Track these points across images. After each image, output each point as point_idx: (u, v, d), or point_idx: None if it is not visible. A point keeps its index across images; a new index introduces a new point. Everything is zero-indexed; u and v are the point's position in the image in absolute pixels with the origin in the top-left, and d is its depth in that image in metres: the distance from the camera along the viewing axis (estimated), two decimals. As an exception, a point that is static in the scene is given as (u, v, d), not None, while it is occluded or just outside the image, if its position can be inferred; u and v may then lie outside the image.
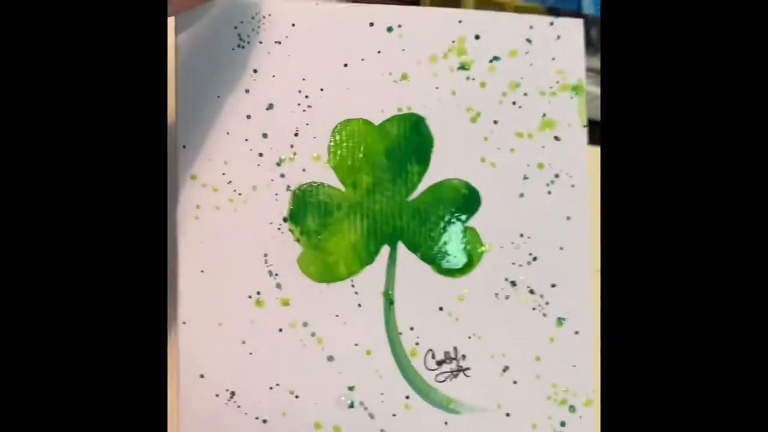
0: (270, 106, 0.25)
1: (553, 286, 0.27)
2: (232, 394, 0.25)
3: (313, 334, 0.25)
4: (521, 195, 0.27)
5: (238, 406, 0.25)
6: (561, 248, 0.27)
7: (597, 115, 0.35)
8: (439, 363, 0.26)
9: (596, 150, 0.34)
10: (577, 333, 0.27)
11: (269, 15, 0.25)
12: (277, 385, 0.25)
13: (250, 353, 0.25)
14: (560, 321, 0.27)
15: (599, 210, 0.22)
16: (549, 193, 0.27)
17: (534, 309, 0.27)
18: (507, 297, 0.27)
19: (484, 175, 0.27)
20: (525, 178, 0.27)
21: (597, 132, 0.35)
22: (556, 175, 0.27)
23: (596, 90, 0.35)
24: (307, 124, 0.25)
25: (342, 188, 0.26)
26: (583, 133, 0.28)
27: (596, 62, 0.36)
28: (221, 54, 0.25)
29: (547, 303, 0.27)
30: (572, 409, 0.27)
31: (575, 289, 0.27)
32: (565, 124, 0.27)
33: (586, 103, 0.33)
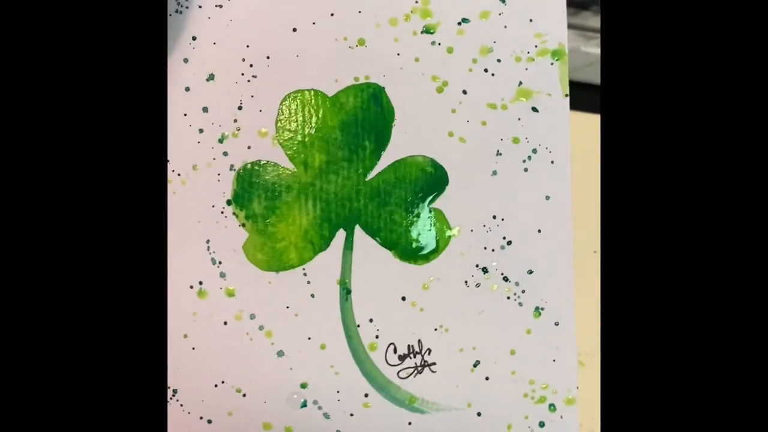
0: (211, 77, 0.23)
1: (530, 272, 0.25)
2: (174, 392, 0.23)
3: (261, 328, 0.23)
4: (494, 173, 0.24)
5: (181, 405, 0.23)
6: (539, 231, 0.25)
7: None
8: (402, 358, 0.24)
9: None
10: (557, 324, 0.25)
11: (209, -25, 0.23)
12: (222, 382, 0.23)
13: (193, 348, 0.23)
14: (538, 311, 0.25)
15: (599, 185, 0.19)
16: (525, 170, 0.25)
17: (508, 298, 0.24)
18: (478, 285, 0.24)
19: (452, 151, 0.24)
20: (498, 154, 0.24)
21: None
22: (534, 151, 0.25)
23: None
24: (252, 96, 0.23)
25: (292, 167, 0.23)
26: (565, 104, 0.25)
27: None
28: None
29: (523, 291, 0.24)
30: (552, 407, 0.25)
31: (555, 276, 0.25)
32: (544, 94, 0.25)
33: (583, 68, 0.31)
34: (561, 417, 0.25)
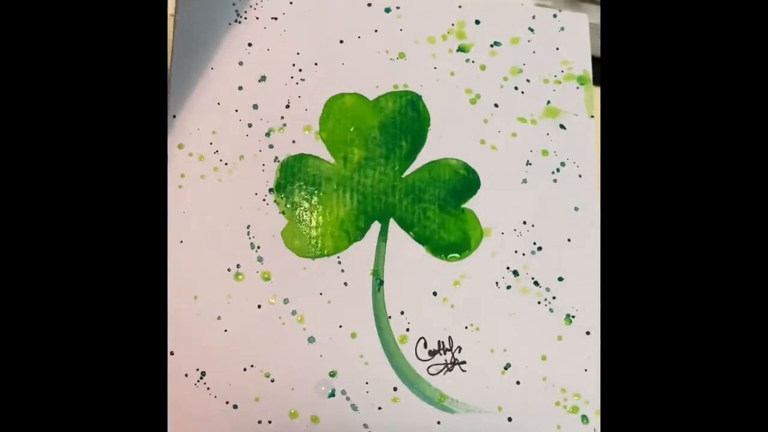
0: (263, 78, 0.25)
1: (560, 279, 0.25)
2: (203, 374, 0.22)
3: (294, 312, 0.23)
4: (524, 181, 0.25)
5: (208, 388, 0.22)
6: (568, 240, 0.25)
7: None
8: (432, 353, 0.24)
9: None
10: (588, 333, 0.25)
11: (268, -7, 0.26)
12: (252, 366, 0.23)
13: (225, 330, 0.23)
14: (569, 318, 0.25)
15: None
16: (555, 181, 0.26)
17: (539, 303, 0.25)
18: (509, 287, 0.24)
19: (484, 157, 0.25)
20: (528, 164, 0.26)
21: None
22: (562, 164, 0.26)
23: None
24: (299, 97, 0.25)
25: (332, 161, 0.24)
26: (591, 124, 0.26)
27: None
28: (218, 28, 0.25)
29: (554, 297, 0.25)
30: (585, 419, 0.24)
31: (584, 285, 0.25)
32: (571, 114, 0.26)
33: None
34: (594, 430, 0.24)
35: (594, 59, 0.28)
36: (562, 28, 0.27)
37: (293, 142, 0.24)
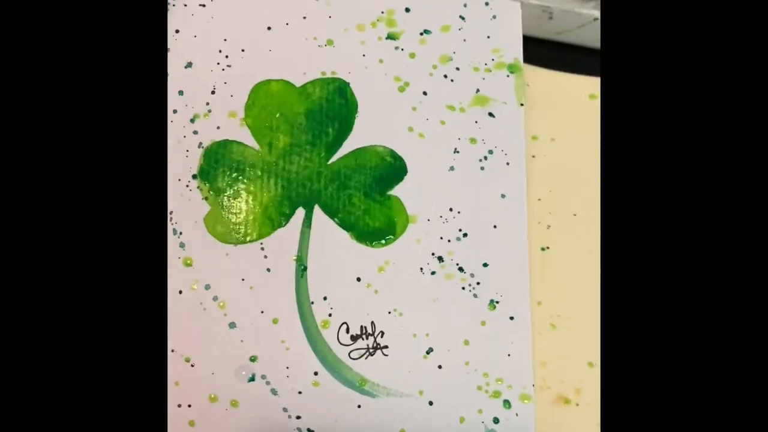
0: (189, 65, 0.25)
1: (485, 265, 0.25)
2: (122, 359, 0.22)
3: (215, 298, 0.23)
4: (451, 168, 0.26)
5: (127, 374, 0.22)
6: (494, 226, 0.25)
7: (587, 40, 0.33)
8: (354, 338, 0.24)
9: (596, 81, 0.32)
10: (512, 318, 0.25)
11: (196, -21, 0.25)
12: (172, 351, 0.23)
13: (146, 316, 0.23)
14: (493, 304, 0.25)
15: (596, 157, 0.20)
16: (482, 168, 0.26)
17: (463, 288, 0.25)
18: (433, 273, 0.25)
19: (411, 144, 0.25)
20: (456, 151, 0.26)
21: (587, 60, 0.32)
22: (490, 152, 0.26)
23: (591, 12, 0.33)
24: (225, 83, 0.25)
25: (257, 147, 0.25)
26: (520, 112, 0.27)
27: None
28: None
29: (478, 283, 0.25)
30: (507, 404, 0.24)
31: (510, 271, 0.25)
32: (500, 102, 0.27)
33: (575, 29, 0.32)
34: (516, 414, 0.24)
35: (527, 40, 0.28)
36: (494, 16, 0.27)
37: (218, 128, 0.24)
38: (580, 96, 0.30)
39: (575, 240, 0.27)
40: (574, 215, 0.27)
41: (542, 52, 0.32)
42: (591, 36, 0.31)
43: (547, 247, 0.27)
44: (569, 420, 0.25)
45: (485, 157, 0.26)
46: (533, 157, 0.28)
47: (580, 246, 0.26)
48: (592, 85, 0.30)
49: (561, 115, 0.30)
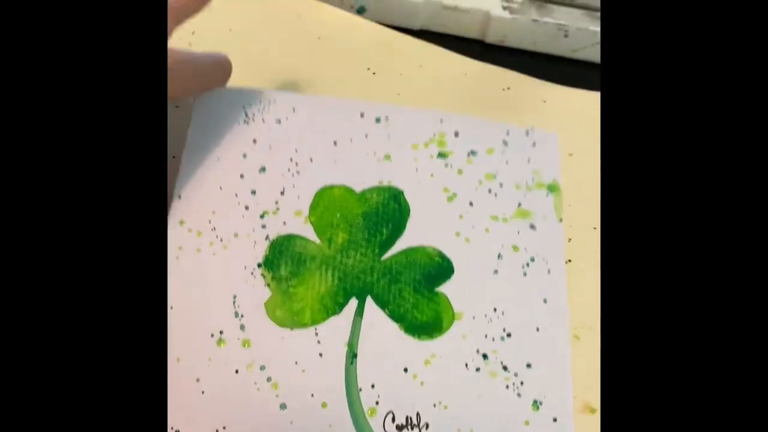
0: (263, 169, 0.28)
1: (528, 366, 0.26)
2: (175, 433, 0.23)
3: (269, 379, 0.24)
4: (495, 271, 0.27)
5: (178, 448, 0.23)
6: (537, 329, 0.27)
7: (596, 56, 0.35)
8: (399, 428, 0.24)
9: (595, 96, 0.34)
10: (555, 420, 0.25)
11: (274, 100, 0.30)
12: (224, 428, 0.23)
13: (203, 392, 0.24)
14: (536, 404, 0.25)
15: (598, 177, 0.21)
16: (524, 274, 0.28)
17: (507, 387, 0.25)
18: (477, 369, 0.26)
19: (458, 247, 0.28)
20: (499, 257, 0.28)
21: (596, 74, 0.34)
22: (532, 259, 0.28)
23: (596, 28, 0.35)
24: (294, 186, 0.28)
25: (318, 242, 0.27)
26: (560, 227, 0.29)
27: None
28: (228, 126, 0.29)
29: (521, 383, 0.26)
30: None
31: (554, 373, 0.26)
32: (541, 216, 0.29)
33: (589, 47, 0.34)
34: None
35: (544, 57, 0.29)
36: (534, 143, 0.30)
37: (284, 223, 0.27)
38: (596, 112, 0.32)
39: (596, 253, 0.29)
40: (594, 228, 0.30)
41: (559, 68, 0.35)
42: None
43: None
44: (595, 429, 0.25)
45: (527, 264, 0.28)
46: (557, 135, 0.30)
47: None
48: None
49: (578, 131, 0.32)
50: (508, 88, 0.34)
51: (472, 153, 0.30)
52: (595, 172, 0.31)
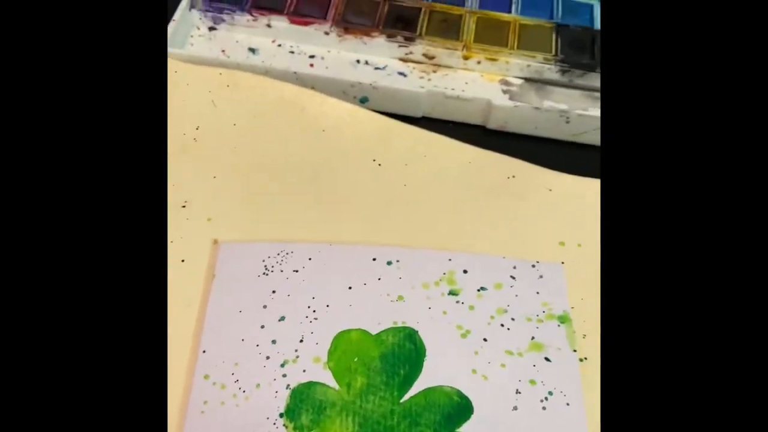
0: (282, 318, 0.29)
1: (556, 503, 0.26)
2: None
3: None
4: (515, 408, 0.28)
5: None
6: (561, 465, 0.26)
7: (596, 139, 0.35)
8: None
9: (595, 183, 0.34)
10: None
11: (291, 252, 0.31)
12: None
13: None
14: None
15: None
16: (543, 408, 0.28)
17: None
18: None
19: (476, 385, 0.28)
20: (518, 392, 0.28)
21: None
22: (550, 393, 0.28)
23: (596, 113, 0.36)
24: (312, 333, 0.29)
25: (337, 388, 0.27)
26: (574, 357, 0.29)
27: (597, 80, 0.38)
28: (249, 280, 0.30)
29: None
30: None
31: None
32: (555, 348, 0.30)
33: (591, 131, 0.34)
34: None
35: (546, 141, 0.31)
36: (541, 276, 0.32)
37: (304, 371, 0.28)
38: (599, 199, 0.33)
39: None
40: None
41: (562, 152, 0.36)
42: None
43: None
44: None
45: (546, 398, 0.28)
46: (562, 263, 0.31)
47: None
48: None
49: (585, 220, 0.32)
50: (513, 177, 0.35)
51: (482, 288, 0.31)
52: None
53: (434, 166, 0.36)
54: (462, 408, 0.27)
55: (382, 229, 0.33)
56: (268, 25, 0.41)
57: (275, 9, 0.41)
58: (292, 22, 0.41)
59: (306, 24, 0.41)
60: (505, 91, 0.39)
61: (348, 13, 0.41)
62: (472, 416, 0.27)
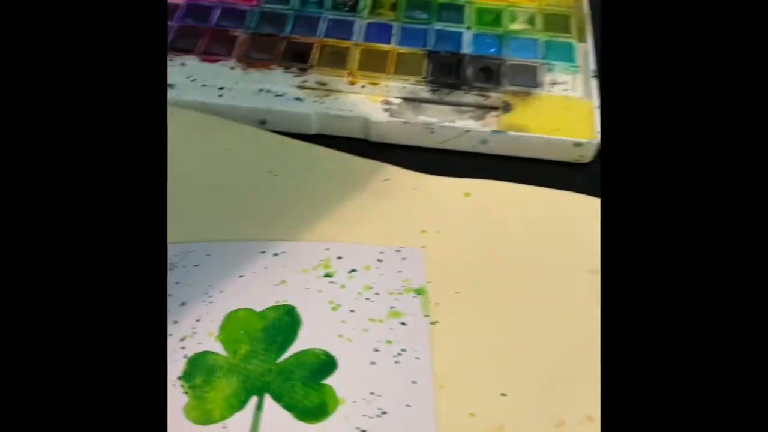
0: (183, 303, 0.36)
1: (400, 434, 0.32)
2: None
3: (185, 466, 0.30)
4: (372, 362, 0.34)
5: None
6: (408, 405, 0.33)
7: (469, 147, 0.43)
8: (292, 496, 0.30)
9: (470, 181, 0.42)
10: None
11: (193, 251, 0.38)
12: None
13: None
14: (409, 467, 0.31)
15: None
16: (397, 362, 0.34)
17: (384, 455, 0.31)
18: (359, 443, 0.32)
19: (341, 347, 0.34)
20: (376, 350, 0.35)
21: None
22: (403, 350, 0.35)
23: (469, 125, 0.44)
24: (207, 314, 0.35)
25: (225, 354, 0.34)
26: (426, 321, 0.36)
27: (470, 98, 0.44)
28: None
29: (395, 448, 0.31)
30: None
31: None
32: (410, 315, 0.36)
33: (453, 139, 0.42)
34: None
35: (415, 149, 0.42)
36: (404, 258, 0.38)
37: (199, 343, 0.34)
38: (458, 194, 0.41)
39: (460, 314, 0.36)
40: (457, 293, 0.37)
41: (428, 158, 0.44)
42: (466, 143, 0.44)
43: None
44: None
45: (399, 354, 0.34)
46: (424, 247, 0.38)
47: (465, 319, 0.36)
48: (467, 185, 0.41)
49: (444, 211, 0.40)
50: (387, 179, 0.42)
51: (353, 270, 0.38)
52: (457, 244, 0.39)
53: (322, 174, 0.43)
54: (328, 364, 0.34)
55: (276, 228, 0.40)
56: (183, 64, 0.48)
57: (188, 50, 0.48)
58: (203, 60, 0.48)
59: (215, 61, 0.48)
60: (386, 110, 0.46)
61: (251, 51, 0.48)
62: (336, 370, 0.34)
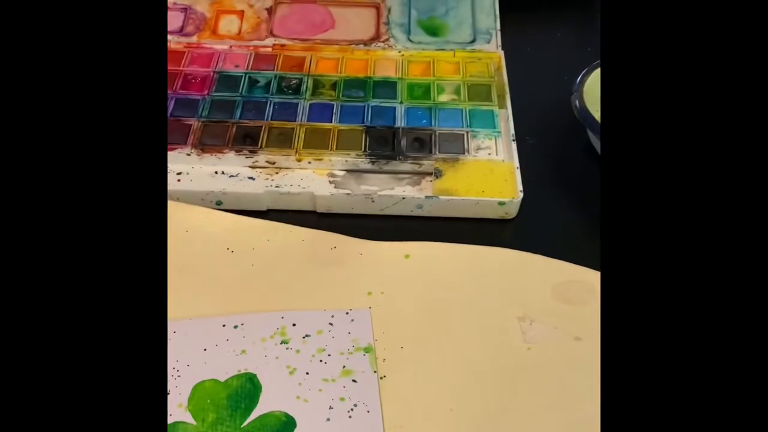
0: (154, 379, 0.39)
1: (357, 483, 0.36)
2: None
3: None
4: (328, 419, 0.38)
5: None
6: (361, 456, 0.37)
7: (407, 212, 0.48)
8: None
9: (409, 244, 0.48)
10: None
11: (161, 328, 0.42)
12: None
13: None
14: None
15: None
16: (350, 417, 0.38)
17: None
18: (318, 493, 0.35)
19: (299, 407, 0.39)
20: (330, 408, 0.39)
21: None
22: (355, 405, 0.39)
23: (405, 192, 0.48)
24: (176, 387, 0.39)
25: (195, 423, 0.38)
26: (375, 377, 0.40)
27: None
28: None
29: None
30: None
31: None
32: (360, 372, 0.40)
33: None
34: None
35: (358, 217, 0.48)
36: (352, 320, 0.43)
37: (170, 415, 0.38)
38: (399, 256, 0.46)
39: (405, 367, 0.40)
40: (401, 348, 0.41)
41: (371, 224, 0.49)
42: (404, 208, 0.49)
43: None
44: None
45: (351, 409, 0.39)
46: (370, 308, 0.43)
47: (410, 372, 0.40)
48: (406, 247, 0.46)
49: (387, 273, 0.45)
50: (335, 247, 0.47)
51: (307, 336, 0.42)
52: (399, 302, 0.44)
53: (275, 247, 0.47)
54: (287, 424, 0.38)
55: (235, 301, 0.44)
56: (142, 154, 0.52)
57: (146, 140, 0.52)
58: (161, 148, 0.52)
59: (172, 149, 0.52)
60: (331, 182, 0.51)
61: (204, 137, 0.53)
62: (296, 430, 0.37)
